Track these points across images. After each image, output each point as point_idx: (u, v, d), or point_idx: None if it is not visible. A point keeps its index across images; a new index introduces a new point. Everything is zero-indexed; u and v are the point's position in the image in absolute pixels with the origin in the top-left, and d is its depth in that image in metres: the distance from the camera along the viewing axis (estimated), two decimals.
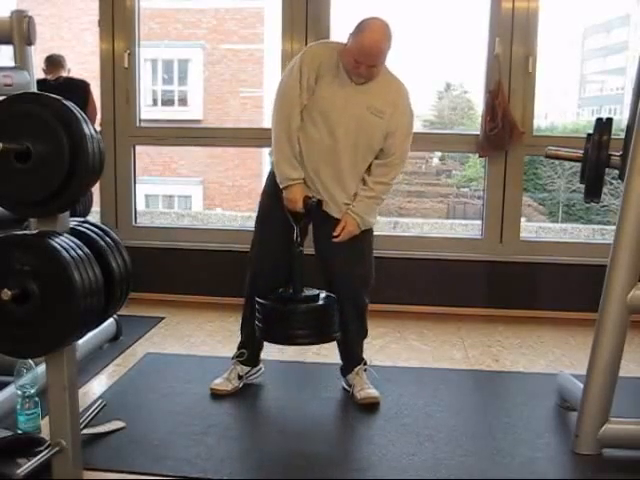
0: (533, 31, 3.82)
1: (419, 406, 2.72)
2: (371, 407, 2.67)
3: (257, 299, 2.65)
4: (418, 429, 2.52)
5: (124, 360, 3.14)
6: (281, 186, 2.63)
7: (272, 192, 2.69)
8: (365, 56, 2.45)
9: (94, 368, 2.99)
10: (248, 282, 2.77)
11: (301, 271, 2.61)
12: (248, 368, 2.84)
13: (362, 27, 2.49)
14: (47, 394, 2.02)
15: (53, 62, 4.06)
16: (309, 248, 2.72)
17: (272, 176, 2.70)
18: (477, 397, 2.94)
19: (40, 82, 3.56)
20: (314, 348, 3.09)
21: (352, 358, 2.81)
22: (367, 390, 2.73)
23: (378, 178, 2.65)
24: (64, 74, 4.05)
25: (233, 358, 2.85)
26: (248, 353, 2.83)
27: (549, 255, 3.94)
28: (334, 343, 2.81)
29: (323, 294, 2.65)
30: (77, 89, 3.96)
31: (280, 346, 2.86)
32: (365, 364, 2.82)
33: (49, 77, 3.97)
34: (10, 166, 1.82)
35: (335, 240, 2.64)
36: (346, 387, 2.81)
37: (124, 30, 4.04)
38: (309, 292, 2.63)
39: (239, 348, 2.86)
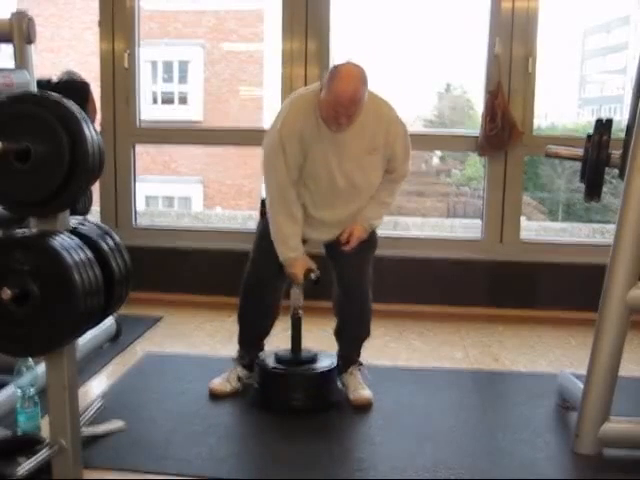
0: (533, 31, 3.82)
1: (419, 406, 2.72)
2: (364, 408, 2.67)
3: (257, 362, 2.69)
4: (418, 429, 2.52)
5: (124, 360, 3.14)
6: (282, 261, 2.62)
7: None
8: (343, 107, 2.39)
9: (94, 368, 2.99)
10: (246, 276, 2.74)
11: (300, 334, 2.69)
12: (248, 372, 2.80)
13: (334, 76, 2.40)
14: (47, 394, 2.02)
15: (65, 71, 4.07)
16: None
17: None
18: (477, 397, 2.94)
19: (41, 83, 3.56)
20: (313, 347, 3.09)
21: (349, 357, 2.79)
22: (360, 391, 2.72)
23: (383, 186, 2.68)
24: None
25: (234, 359, 2.84)
26: (249, 359, 2.80)
27: (549, 255, 3.94)
28: (334, 341, 2.82)
29: (322, 356, 2.73)
30: (75, 89, 3.95)
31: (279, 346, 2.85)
32: (360, 364, 2.81)
33: (53, 79, 3.97)
34: (10, 166, 1.82)
35: (346, 249, 2.65)
36: (340, 386, 2.80)
37: (124, 30, 4.04)
38: (307, 354, 2.71)
39: (240, 351, 2.84)
